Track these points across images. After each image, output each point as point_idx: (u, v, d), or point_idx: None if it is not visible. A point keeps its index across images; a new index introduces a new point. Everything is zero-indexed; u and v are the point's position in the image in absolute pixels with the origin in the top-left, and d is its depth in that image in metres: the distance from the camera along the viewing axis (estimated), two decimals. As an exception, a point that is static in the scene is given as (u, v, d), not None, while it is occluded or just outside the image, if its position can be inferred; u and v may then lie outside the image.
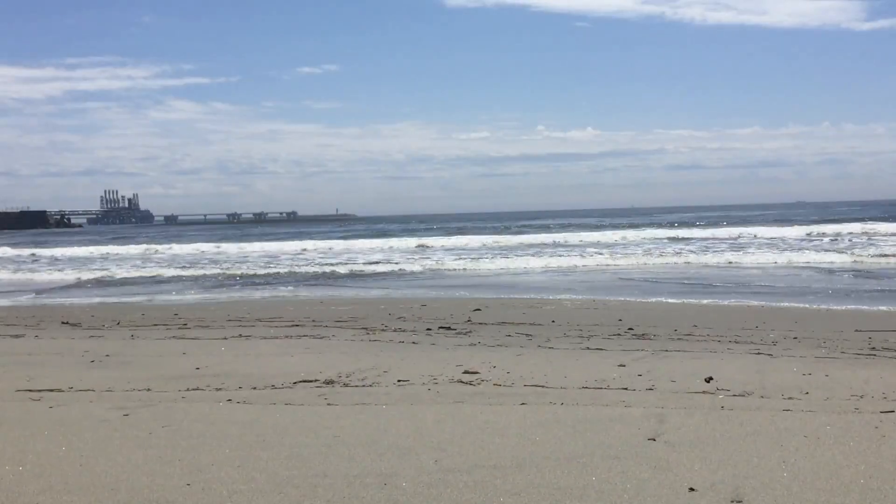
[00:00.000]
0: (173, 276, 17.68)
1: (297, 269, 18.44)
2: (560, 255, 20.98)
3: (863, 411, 3.89)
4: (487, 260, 20.27)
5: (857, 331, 7.02)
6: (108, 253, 29.87)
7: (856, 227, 30.72)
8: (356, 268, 18.60)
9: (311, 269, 18.34)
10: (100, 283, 16.64)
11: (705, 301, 10.32)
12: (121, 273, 18.87)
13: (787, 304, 9.74)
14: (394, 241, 30.56)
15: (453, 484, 2.90)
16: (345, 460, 3.19)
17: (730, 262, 17.38)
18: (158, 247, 32.16)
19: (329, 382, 4.83)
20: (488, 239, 31.45)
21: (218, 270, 18.69)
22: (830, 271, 14.43)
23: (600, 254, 21.27)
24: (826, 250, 19.92)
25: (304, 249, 28.13)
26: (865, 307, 9.19)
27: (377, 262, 20.42)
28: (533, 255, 21.31)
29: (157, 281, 16.64)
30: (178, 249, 30.61)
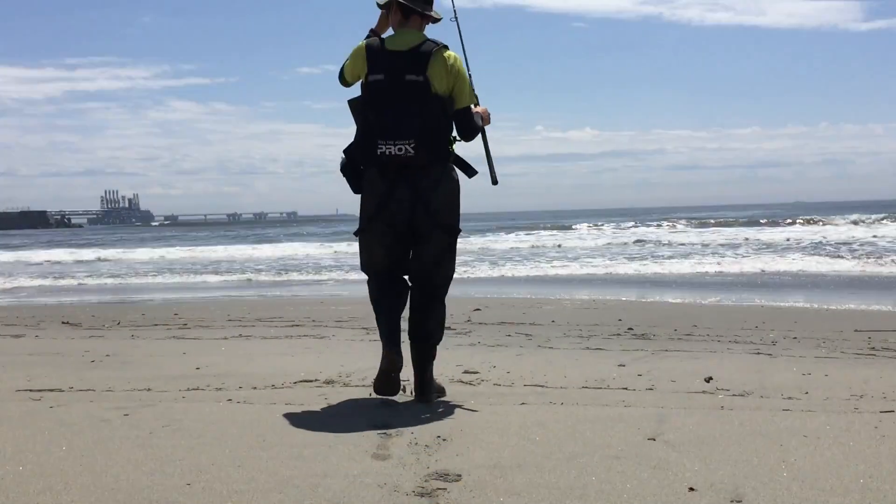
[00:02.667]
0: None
1: (296, 277, 17.42)
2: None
3: (862, 411, 3.89)
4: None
5: (856, 331, 7.03)
6: (53, 261, 26.71)
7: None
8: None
9: (312, 277, 17.42)
10: None
11: (705, 301, 10.33)
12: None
13: (786, 303, 9.75)
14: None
15: (453, 483, 2.90)
16: (345, 460, 3.19)
17: None
18: (110, 251, 30.51)
19: (329, 382, 4.82)
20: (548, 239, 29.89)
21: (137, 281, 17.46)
22: None
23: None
24: None
25: (308, 255, 26.27)
26: (865, 307, 9.20)
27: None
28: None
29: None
30: (136, 255, 27.88)
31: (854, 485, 2.83)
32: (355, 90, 4.04)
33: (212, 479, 2.98)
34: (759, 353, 5.81)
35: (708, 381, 4.69)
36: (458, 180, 4.05)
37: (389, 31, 4.05)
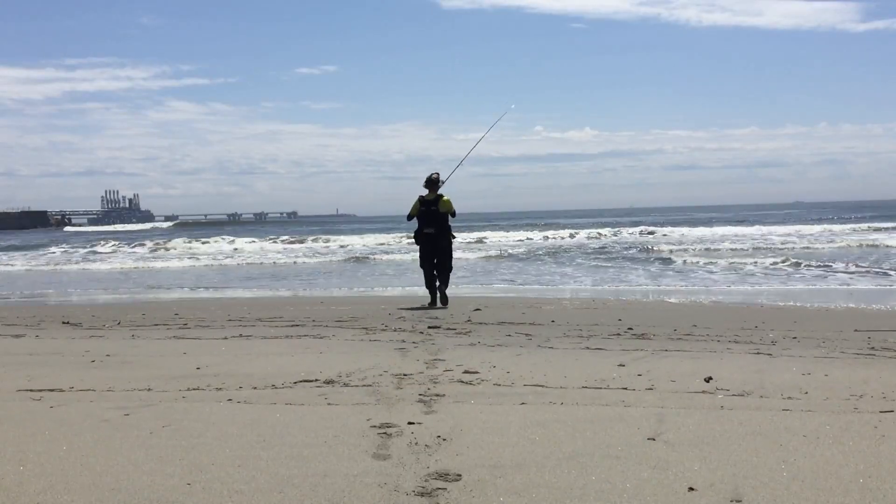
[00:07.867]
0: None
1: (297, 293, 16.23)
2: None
3: (862, 411, 3.89)
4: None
5: (856, 330, 7.03)
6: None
7: None
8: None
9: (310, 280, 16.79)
10: None
11: (705, 301, 10.33)
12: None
13: (786, 303, 9.75)
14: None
15: (453, 483, 2.90)
16: (345, 460, 3.20)
17: None
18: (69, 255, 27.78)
19: (329, 382, 4.83)
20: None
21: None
22: None
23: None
24: None
25: (318, 252, 25.57)
26: (865, 306, 9.20)
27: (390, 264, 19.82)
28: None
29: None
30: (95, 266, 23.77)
31: (854, 485, 2.83)
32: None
33: (212, 479, 2.98)
34: (759, 353, 5.80)
35: (708, 381, 4.69)
36: (450, 240, 10.73)
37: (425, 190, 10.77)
